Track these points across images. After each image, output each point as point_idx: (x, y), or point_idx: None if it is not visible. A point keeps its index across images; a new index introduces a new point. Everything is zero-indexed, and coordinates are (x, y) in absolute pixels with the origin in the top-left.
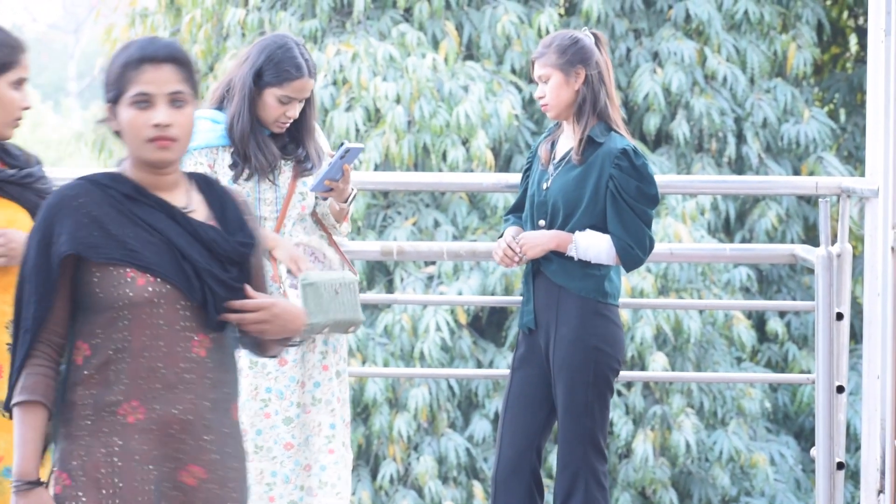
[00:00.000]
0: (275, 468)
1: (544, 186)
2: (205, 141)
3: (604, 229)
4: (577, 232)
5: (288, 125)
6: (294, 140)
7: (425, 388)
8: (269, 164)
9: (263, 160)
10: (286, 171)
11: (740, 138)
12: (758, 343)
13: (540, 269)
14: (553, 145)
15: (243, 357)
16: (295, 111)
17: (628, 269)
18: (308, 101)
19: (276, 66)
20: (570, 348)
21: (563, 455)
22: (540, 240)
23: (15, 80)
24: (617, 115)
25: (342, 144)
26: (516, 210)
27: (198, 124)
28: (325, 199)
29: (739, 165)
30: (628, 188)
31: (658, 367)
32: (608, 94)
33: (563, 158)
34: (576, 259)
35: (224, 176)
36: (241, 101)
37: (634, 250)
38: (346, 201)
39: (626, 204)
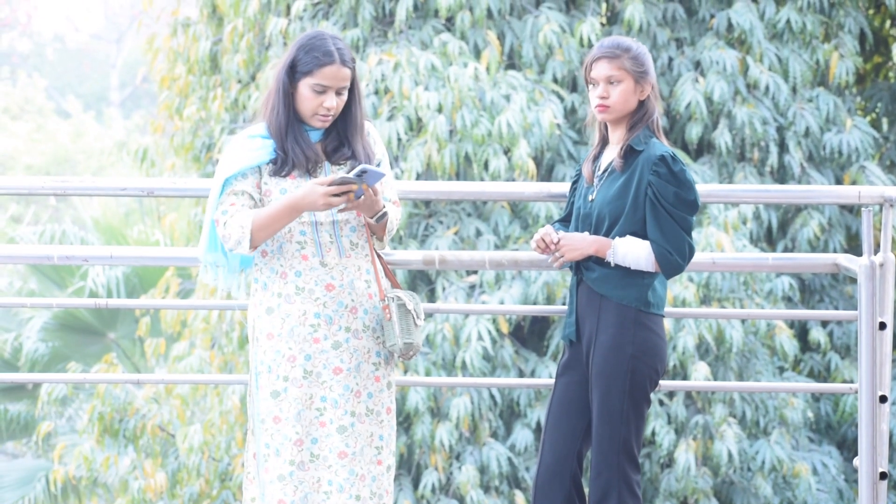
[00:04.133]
0: (331, 477)
1: (590, 198)
2: (249, 162)
3: (646, 236)
4: (616, 238)
5: (329, 119)
6: (342, 141)
7: (467, 397)
8: (308, 158)
9: (301, 154)
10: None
11: (782, 147)
12: (800, 352)
13: (583, 278)
14: (595, 161)
15: (297, 366)
16: (332, 102)
17: (668, 275)
18: (352, 98)
19: (307, 55)
20: (608, 356)
21: (597, 463)
22: (580, 244)
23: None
24: (660, 126)
25: (377, 163)
26: (564, 221)
27: (248, 143)
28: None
29: (782, 175)
30: (666, 194)
31: (700, 376)
32: (658, 109)
33: (606, 170)
34: (612, 265)
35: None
36: (277, 95)
37: (673, 256)
38: (373, 219)
39: (665, 210)
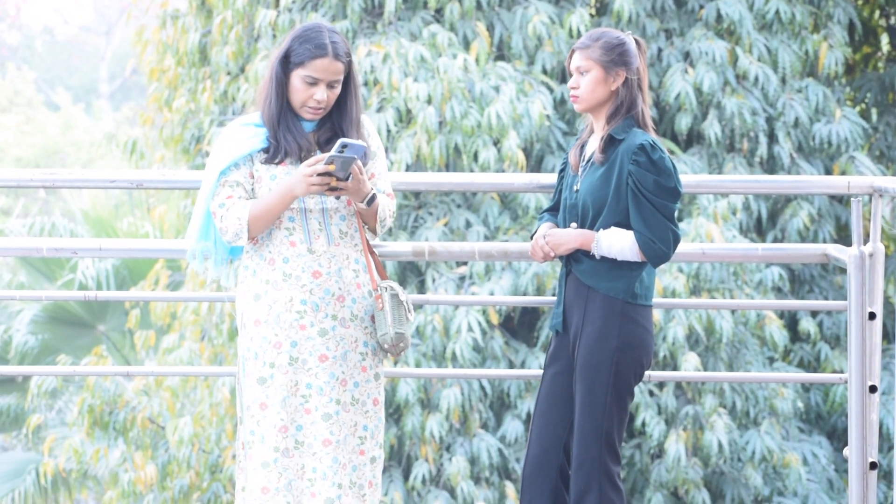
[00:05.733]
0: (315, 464)
1: (575, 189)
2: (242, 151)
3: (630, 226)
4: (600, 230)
5: (320, 111)
6: (336, 132)
7: (457, 388)
8: (300, 147)
9: (294, 143)
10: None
11: (772, 138)
12: (790, 343)
13: (571, 270)
14: (582, 149)
15: (283, 353)
16: (322, 95)
17: (654, 264)
18: (348, 91)
19: (301, 46)
20: (592, 348)
21: (578, 455)
22: (565, 238)
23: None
24: (649, 119)
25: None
26: (553, 209)
27: (241, 132)
28: (337, 197)
29: (771, 165)
30: (646, 183)
31: (690, 366)
32: (644, 100)
33: (589, 160)
34: (598, 257)
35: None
36: (270, 84)
37: (657, 244)
38: (363, 202)
39: (646, 199)
